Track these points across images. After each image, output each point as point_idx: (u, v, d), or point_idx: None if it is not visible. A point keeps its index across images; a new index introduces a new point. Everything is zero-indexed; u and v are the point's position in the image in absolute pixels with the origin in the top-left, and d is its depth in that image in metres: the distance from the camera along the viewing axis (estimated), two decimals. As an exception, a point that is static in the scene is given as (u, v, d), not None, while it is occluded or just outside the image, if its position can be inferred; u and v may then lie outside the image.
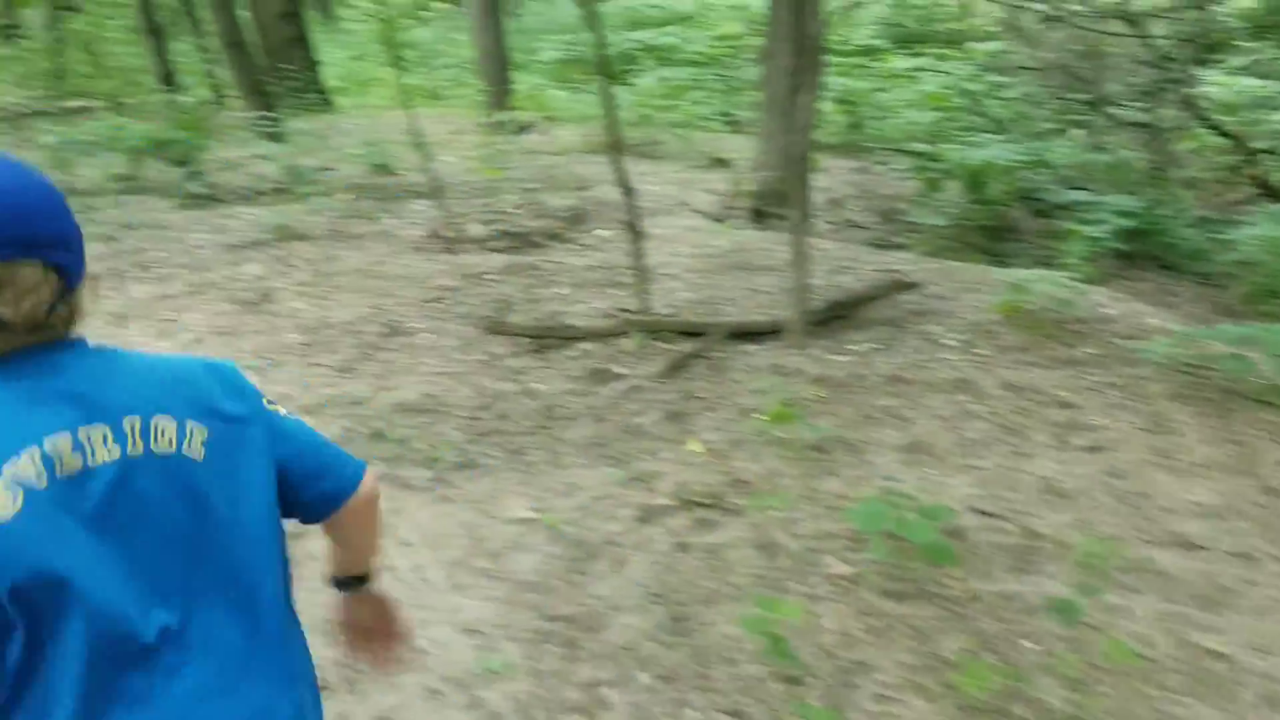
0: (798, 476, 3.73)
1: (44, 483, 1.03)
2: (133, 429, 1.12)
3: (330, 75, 13.44)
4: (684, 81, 11.42)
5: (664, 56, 12.77)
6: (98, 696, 1.06)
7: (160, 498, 1.12)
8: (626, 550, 3.29)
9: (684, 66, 12.33)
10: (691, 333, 4.69)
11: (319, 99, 11.82)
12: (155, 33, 11.45)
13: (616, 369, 4.47)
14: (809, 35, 7.03)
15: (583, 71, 12.57)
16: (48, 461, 1.04)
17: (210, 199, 7.73)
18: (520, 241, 6.45)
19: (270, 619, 1.23)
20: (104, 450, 1.09)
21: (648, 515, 3.47)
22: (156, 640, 1.10)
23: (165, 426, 1.14)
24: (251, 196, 7.92)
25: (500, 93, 10.44)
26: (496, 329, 4.79)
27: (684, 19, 16.35)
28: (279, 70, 11.27)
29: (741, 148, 8.70)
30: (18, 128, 11.29)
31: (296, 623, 1.34)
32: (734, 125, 10.24)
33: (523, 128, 9.78)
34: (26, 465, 1.02)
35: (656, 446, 3.92)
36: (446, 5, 19.01)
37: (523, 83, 12.11)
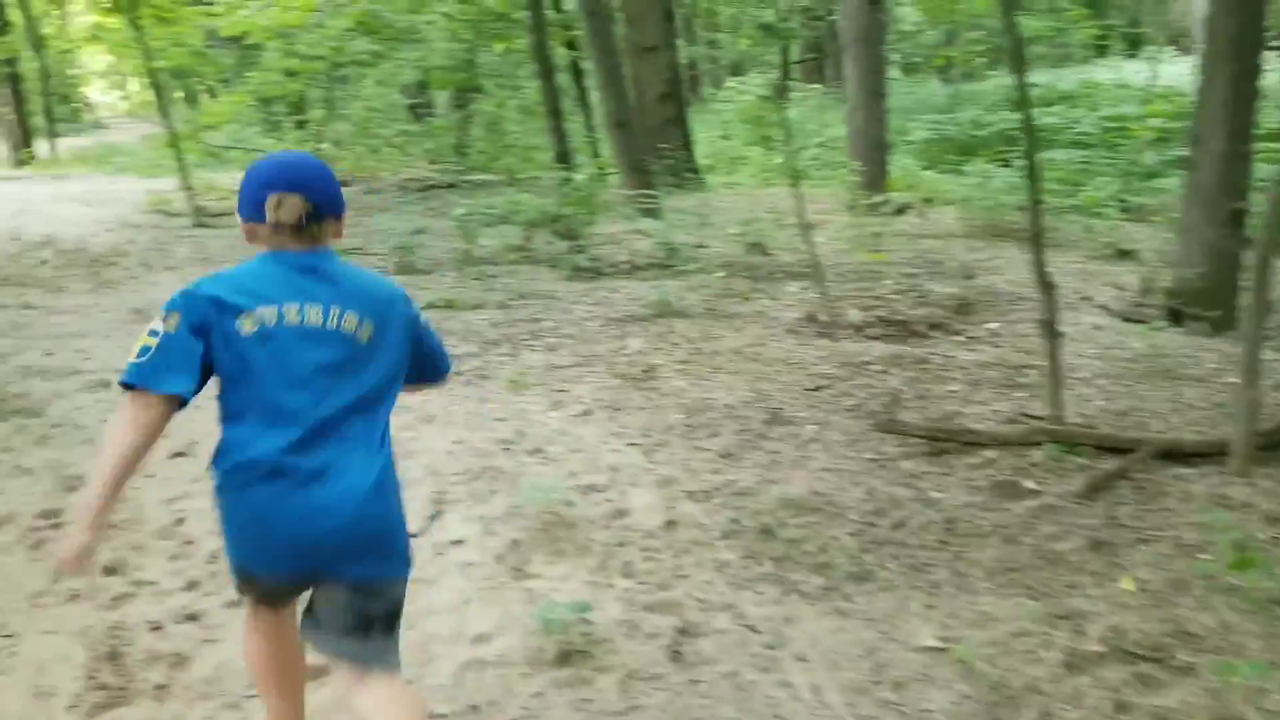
0: (1262, 636, 3.11)
1: (274, 322, 1.87)
2: (332, 311, 1.91)
3: (699, 153, 13.95)
4: (1073, 164, 10.66)
5: (1049, 138, 12.03)
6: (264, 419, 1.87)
7: (324, 350, 1.90)
8: (1054, 702, 2.86)
9: (1071, 148, 11.55)
10: (1114, 448, 4.16)
11: (693, 177, 12.25)
12: (554, 113, 12.41)
13: (1027, 483, 4.03)
14: (1244, 119, 6.28)
15: (957, 151, 12.14)
16: (281, 313, 1.87)
17: (594, 272, 8.11)
18: (902, 330, 6.15)
19: (377, 419, 1.97)
20: (312, 316, 1.90)
21: (1077, 662, 3.01)
22: (295, 411, 1.86)
23: (349, 316, 1.93)
24: (631, 271, 8.23)
25: (874, 173, 10.26)
26: (887, 427, 4.51)
27: (1066, 97, 15.41)
28: (658, 149, 11.82)
29: (1147, 238, 7.90)
30: (426, 198, 12.64)
31: (388, 433, 2.01)
32: (1133, 213, 9.37)
33: (899, 210, 9.53)
34: (271, 311, 1.87)
35: (1080, 580, 3.44)
36: (814, 85, 19.24)
37: (893, 164, 11.88)
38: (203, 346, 1.83)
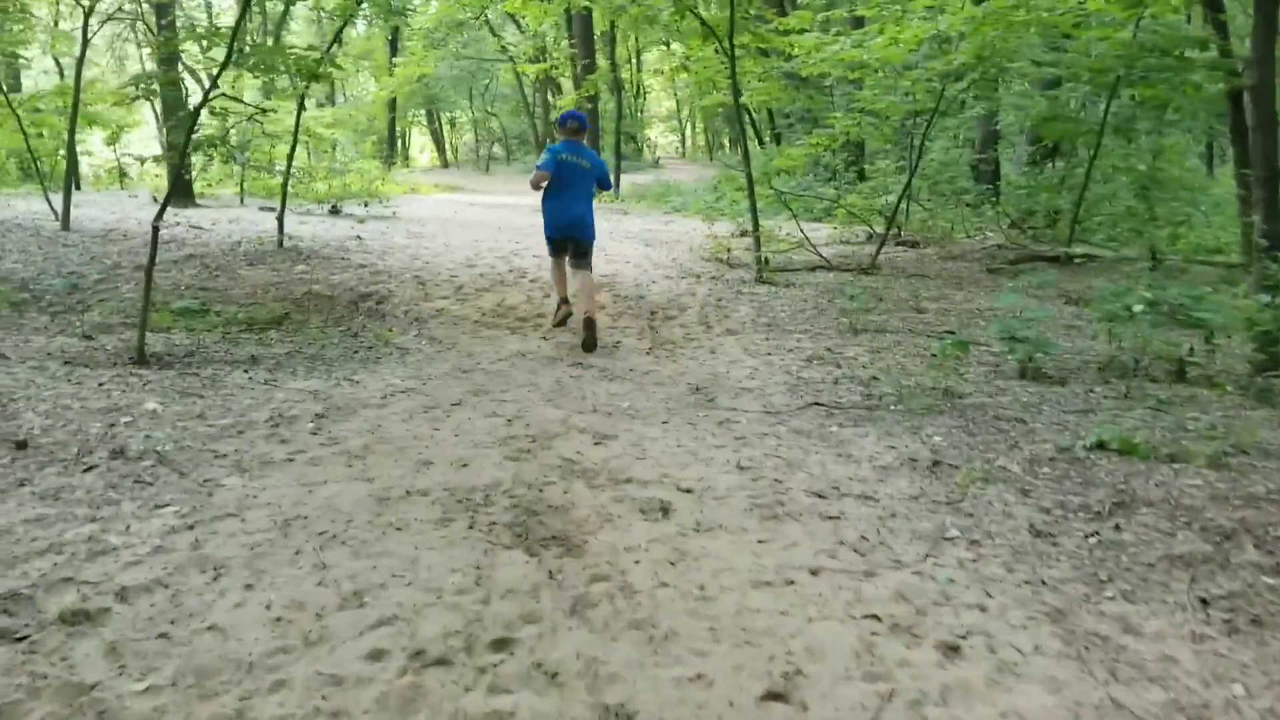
0: None
1: (566, 160, 7.16)
2: (578, 159, 7.21)
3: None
4: None
5: None
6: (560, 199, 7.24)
7: (580, 173, 7.21)
8: None
9: None
10: None
11: None
12: (1271, 180, 9.44)
13: None
14: None
15: None
16: (566, 159, 7.15)
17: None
18: None
19: (589, 198, 7.35)
20: (574, 160, 7.17)
21: None
22: (570, 191, 7.21)
23: (582, 160, 7.22)
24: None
25: None
26: None
27: None
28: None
29: None
30: (1022, 273, 10.36)
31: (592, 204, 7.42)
32: None
33: None
34: (566, 157, 7.14)
35: None
36: None
37: None
38: (554, 165, 7.08)
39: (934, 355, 6.45)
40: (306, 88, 9.85)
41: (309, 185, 16.01)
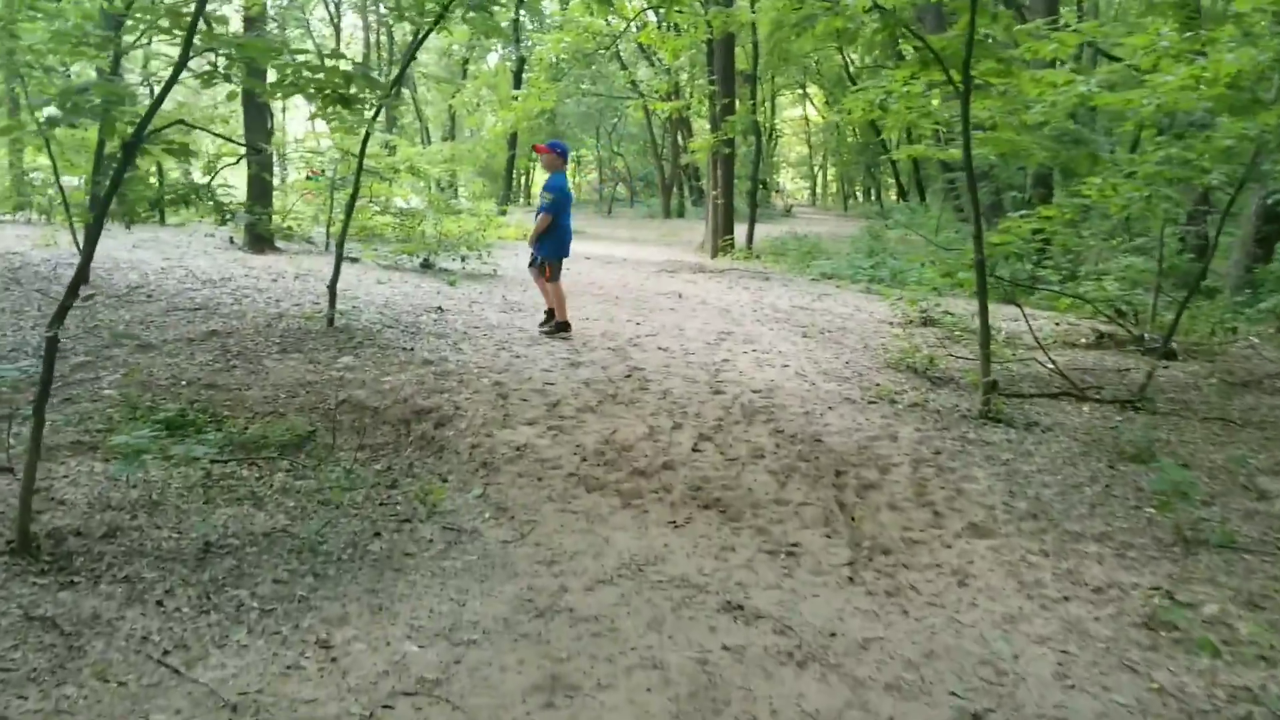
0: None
1: (568, 190, 8.68)
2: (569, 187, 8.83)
3: None
4: None
5: None
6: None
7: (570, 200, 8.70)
8: None
9: None
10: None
11: None
12: None
13: None
14: None
15: None
16: (569, 190, 8.78)
17: None
18: None
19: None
20: (570, 189, 8.92)
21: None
22: (567, 217, 8.49)
23: (570, 189, 8.82)
24: None
25: None
26: None
27: None
28: None
29: None
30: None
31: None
32: None
33: None
34: (568, 186, 8.81)
35: None
36: None
37: None
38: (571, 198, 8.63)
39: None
40: (376, 114, 7.52)
41: (413, 228, 13.80)
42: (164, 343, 7.05)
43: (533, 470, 5.10)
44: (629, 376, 7.00)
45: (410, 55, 8.35)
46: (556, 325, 8.39)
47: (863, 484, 5.07)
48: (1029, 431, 6.08)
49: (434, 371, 6.69)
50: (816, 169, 57.12)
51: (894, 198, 41.64)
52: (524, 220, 28.34)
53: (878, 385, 7.11)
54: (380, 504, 4.57)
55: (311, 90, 4.44)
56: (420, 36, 7.56)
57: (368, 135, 7.43)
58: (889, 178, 42.64)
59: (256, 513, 4.38)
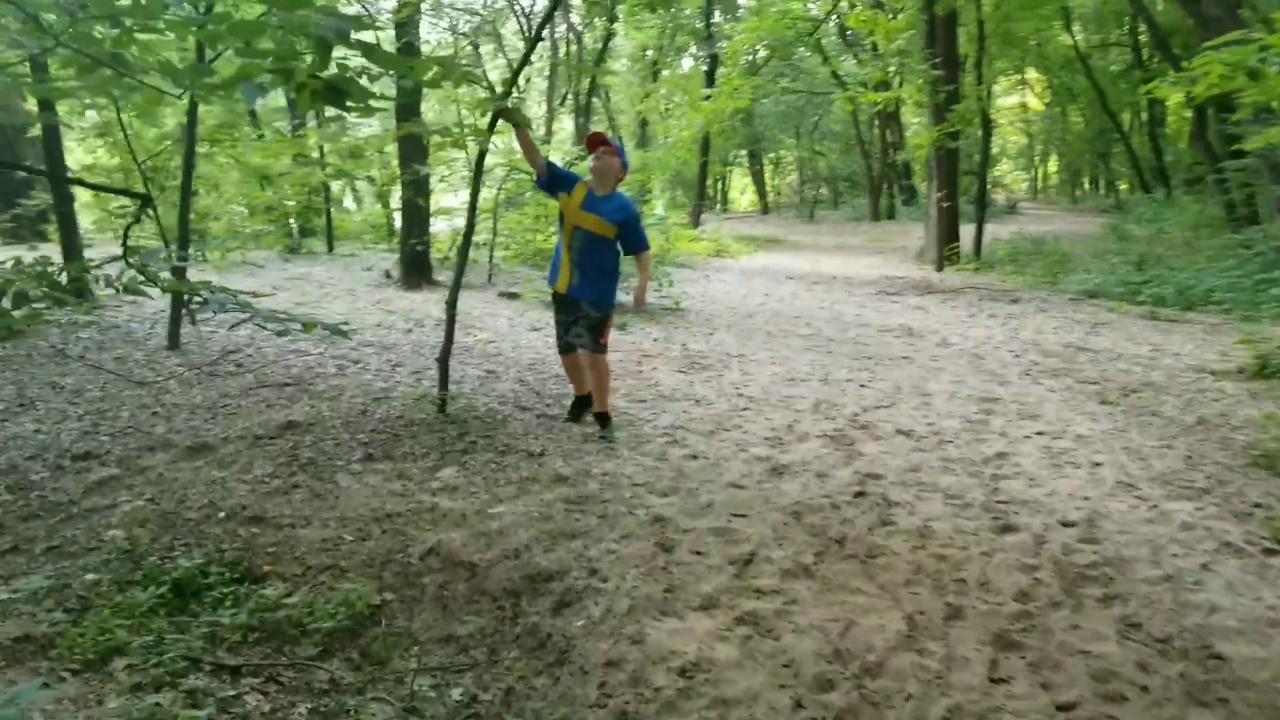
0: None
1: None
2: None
3: None
4: None
5: None
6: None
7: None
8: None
9: None
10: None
11: None
12: None
13: None
14: None
15: None
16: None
17: None
18: None
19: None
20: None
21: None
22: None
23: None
24: None
25: None
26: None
27: None
28: None
29: None
30: None
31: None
32: None
33: None
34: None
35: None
36: None
37: None
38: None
39: None
40: (494, 125, 5.52)
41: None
42: (223, 442, 5.26)
43: (704, 730, 2.85)
44: (861, 495, 4.64)
45: (528, 51, 6.27)
46: (597, 417, 5.72)
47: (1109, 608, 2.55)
48: None
49: (567, 495, 4.55)
50: (1036, 160, 52.24)
51: (1129, 189, 36.77)
52: (718, 229, 26.10)
53: (1260, 508, 4.45)
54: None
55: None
56: (538, 34, 5.48)
57: (481, 151, 5.40)
58: (1121, 167, 37.71)
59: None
